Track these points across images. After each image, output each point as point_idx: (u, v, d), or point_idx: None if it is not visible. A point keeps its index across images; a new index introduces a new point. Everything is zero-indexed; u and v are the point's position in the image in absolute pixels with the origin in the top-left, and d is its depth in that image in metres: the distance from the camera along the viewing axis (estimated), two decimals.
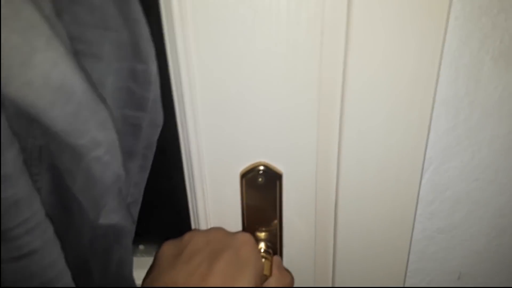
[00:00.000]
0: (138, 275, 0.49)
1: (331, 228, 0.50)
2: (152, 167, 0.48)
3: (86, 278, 0.45)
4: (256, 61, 0.41)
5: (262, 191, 0.47)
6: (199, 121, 0.43)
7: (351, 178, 0.46)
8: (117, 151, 0.34)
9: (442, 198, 0.48)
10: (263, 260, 0.46)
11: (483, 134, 0.44)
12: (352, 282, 0.53)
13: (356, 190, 0.47)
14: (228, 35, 0.40)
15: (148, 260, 0.44)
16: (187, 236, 0.44)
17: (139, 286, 0.42)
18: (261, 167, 0.46)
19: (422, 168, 0.45)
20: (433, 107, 0.42)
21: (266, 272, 0.45)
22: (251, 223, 0.49)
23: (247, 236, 0.44)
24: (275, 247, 0.50)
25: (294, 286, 0.53)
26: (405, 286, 0.53)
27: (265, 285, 0.45)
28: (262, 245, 0.49)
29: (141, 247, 0.57)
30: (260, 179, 0.46)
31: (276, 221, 0.49)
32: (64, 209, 0.41)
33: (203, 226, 0.49)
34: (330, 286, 0.54)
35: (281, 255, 0.51)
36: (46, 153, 0.35)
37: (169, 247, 0.43)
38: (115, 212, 0.39)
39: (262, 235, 0.49)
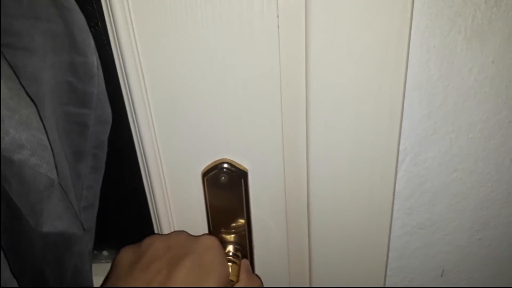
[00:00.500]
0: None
1: (305, 226, 0.47)
2: (109, 167, 0.45)
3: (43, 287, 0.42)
4: (210, 51, 0.37)
5: (226, 190, 0.44)
6: (151, 118, 0.40)
7: (321, 172, 0.43)
8: (46, 154, 0.31)
9: (420, 191, 0.45)
10: (230, 264, 0.43)
11: (460, 120, 0.41)
12: (330, 282, 0.50)
13: (328, 185, 0.44)
14: (177, 24, 0.36)
15: None
16: (146, 241, 0.41)
17: None
18: (224, 165, 0.43)
19: (397, 160, 0.42)
20: (404, 93, 0.38)
21: (232, 277, 0.42)
22: (217, 224, 0.46)
23: (211, 240, 0.41)
24: (244, 249, 0.47)
25: (270, 286, 0.50)
26: (386, 285, 0.50)
27: None
28: (230, 248, 0.46)
29: (104, 252, 0.54)
30: (223, 178, 0.43)
31: (244, 222, 0.45)
32: (13, 216, 0.38)
33: (166, 229, 0.46)
34: (307, 286, 0.51)
35: (251, 257, 0.48)
36: None
37: (126, 253, 0.40)
38: (60, 219, 0.36)
39: (229, 237, 0.46)
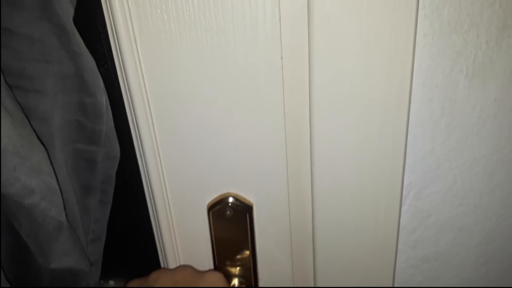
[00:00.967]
0: None
1: (310, 258, 0.47)
2: (116, 200, 0.45)
3: None
4: (215, 87, 0.38)
5: (232, 223, 0.44)
6: (158, 153, 0.41)
7: (326, 206, 0.43)
8: (56, 197, 0.31)
9: (425, 225, 0.45)
10: None
11: (463, 156, 0.41)
12: None
13: (333, 218, 0.44)
14: (183, 60, 0.37)
15: None
16: (153, 275, 0.41)
17: None
18: (230, 199, 0.43)
19: (401, 194, 0.42)
20: (407, 130, 0.39)
21: None
22: (222, 258, 0.46)
23: (216, 276, 0.41)
24: (249, 282, 0.47)
25: None
26: None
27: None
28: (235, 282, 0.46)
29: (111, 282, 0.54)
30: (228, 212, 0.43)
31: (249, 255, 0.46)
32: (21, 250, 0.39)
33: (171, 262, 0.46)
34: None
35: None
36: None
37: (133, 287, 0.41)
38: (68, 256, 0.37)
39: (235, 270, 0.46)
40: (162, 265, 0.48)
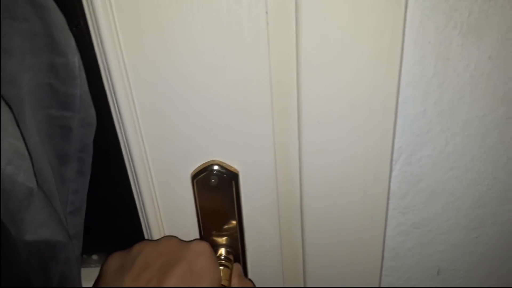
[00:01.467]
0: None
1: (298, 227, 0.46)
2: (96, 171, 0.43)
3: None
4: (197, 50, 0.36)
5: (217, 192, 0.42)
6: (137, 120, 0.39)
7: (314, 172, 0.42)
8: (23, 161, 0.29)
9: (415, 190, 0.44)
10: (222, 268, 0.42)
11: (456, 118, 0.40)
12: (324, 283, 0.49)
13: (321, 185, 0.43)
14: (162, 22, 0.35)
15: None
16: (136, 247, 0.40)
17: None
18: (215, 167, 0.41)
19: (392, 159, 0.41)
20: (398, 91, 0.37)
21: (224, 282, 0.41)
22: (208, 227, 0.45)
23: (202, 245, 0.40)
24: (237, 251, 0.46)
25: (263, 287, 0.49)
26: (382, 285, 0.50)
27: None
28: (221, 251, 0.45)
29: (94, 257, 0.53)
30: (213, 180, 0.41)
31: (235, 224, 0.44)
32: None
33: (155, 233, 0.45)
34: (301, 287, 0.50)
35: (243, 259, 0.47)
36: None
37: (115, 260, 0.39)
38: (43, 227, 0.35)
39: (221, 240, 0.45)
40: (146, 237, 0.47)
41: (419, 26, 0.36)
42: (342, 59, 0.36)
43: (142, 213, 0.44)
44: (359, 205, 0.43)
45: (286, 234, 0.46)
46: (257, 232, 0.46)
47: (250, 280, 0.45)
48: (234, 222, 0.44)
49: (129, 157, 0.40)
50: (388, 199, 0.43)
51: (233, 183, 0.42)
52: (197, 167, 0.42)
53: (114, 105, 0.38)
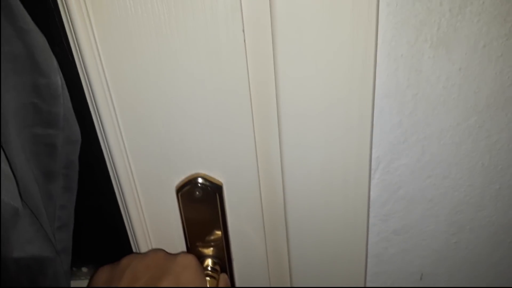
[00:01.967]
0: None
1: (283, 236, 0.47)
2: (82, 185, 0.44)
3: None
4: (177, 64, 0.37)
5: (202, 204, 0.43)
6: (121, 135, 0.40)
7: (296, 182, 0.43)
8: (7, 182, 0.30)
9: (395, 198, 0.45)
10: (209, 279, 0.43)
11: (431, 128, 0.41)
12: None
13: (304, 194, 0.44)
14: (141, 38, 0.36)
15: None
16: (124, 260, 0.41)
17: None
18: (199, 179, 0.42)
19: (370, 168, 0.42)
20: (373, 102, 0.38)
21: None
22: (194, 239, 0.45)
23: (188, 258, 0.41)
24: (223, 262, 0.46)
25: None
26: None
27: None
28: (208, 262, 0.46)
29: (83, 269, 0.53)
30: (198, 193, 0.42)
31: (221, 235, 0.45)
32: None
33: (143, 246, 0.46)
34: None
35: (230, 269, 0.47)
36: None
37: (104, 273, 0.40)
38: (30, 244, 0.36)
39: (207, 251, 0.46)
40: (134, 249, 0.47)
41: (391, 41, 0.37)
42: (318, 73, 0.37)
43: (128, 226, 0.45)
44: (341, 213, 0.44)
45: (272, 243, 0.47)
46: (243, 242, 0.47)
47: None
48: (219, 233, 0.45)
49: (114, 171, 0.41)
50: (368, 207, 0.44)
51: (217, 195, 0.43)
52: (181, 180, 0.43)
53: (97, 121, 0.39)
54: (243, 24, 0.36)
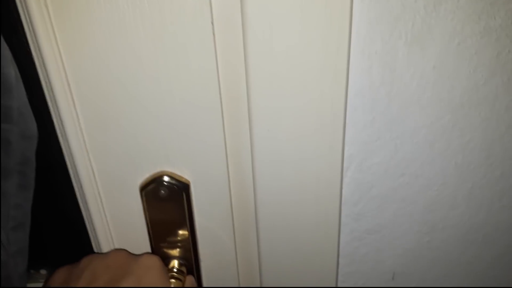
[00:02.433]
0: None
1: (254, 236, 0.46)
2: (40, 184, 0.42)
3: None
4: (141, 59, 0.35)
5: (167, 204, 0.41)
6: (81, 131, 0.37)
7: (267, 180, 0.42)
8: None
9: (367, 197, 0.44)
10: (174, 281, 0.42)
11: (404, 126, 0.40)
12: None
13: (275, 192, 0.42)
14: (104, 31, 0.34)
15: None
16: (84, 260, 0.39)
17: None
18: (164, 178, 0.40)
19: (342, 166, 0.41)
20: (346, 100, 0.37)
21: None
22: (159, 239, 0.44)
23: (151, 259, 0.39)
24: (190, 263, 0.45)
25: None
26: None
27: None
28: (174, 264, 0.44)
29: (42, 271, 0.51)
30: (163, 192, 0.40)
31: (187, 235, 0.43)
32: None
33: (105, 247, 0.44)
34: None
35: (197, 270, 0.46)
36: None
37: (61, 274, 0.38)
38: None
39: (173, 252, 0.44)
40: (96, 250, 0.45)
41: (365, 36, 0.36)
42: (290, 69, 0.35)
43: (89, 226, 0.43)
44: (312, 212, 0.43)
45: (241, 243, 0.46)
46: (212, 243, 0.45)
47: None
48: (186, 233, 0.43)
49: (74, 169, 0.39)
50: (340, 206, 0.43)
51: (184, 194, 0.41)
52: (146, 179, 0.41)
53: (56, 116, 0.37)
54: (212, 16, 0.34)
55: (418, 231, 0.47)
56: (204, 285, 0.47)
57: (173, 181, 0.40)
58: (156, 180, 0.40)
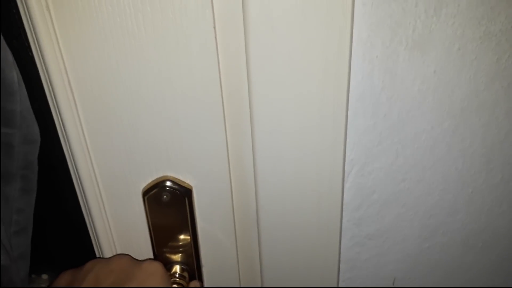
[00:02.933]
0: None
1: (255, 240, 0.46)
2: (43, 188, 0.42)
3: None
4: (144, 63, 0.35)
5: (170, 208, 0.41)
6: (83, 135, 0.38)
7: (269, 186, 0.42)
8: None
9: (369, 202, 0.44)
10: (176, 286, 0.41)
11: (405, 131, 0.41)
12: None
13: (276, 198, 0.42)
14: (106, 35, 0.34)
15: None
16: (88, 264, 0.39)
17: None
18: (167, 183, 0.40)
19: (344, 171, 0.41)
20: (348, 104, 0.37)
21: None
22: (161, 245, 0.43)
23: (154, 265, 0.39)
24: (192, 268, 0.45)
25: None
26: None
27: None
28: (176, 269, 0.44)
29: (44, 276, 0.51)
30: (165, 196, 0.41)
31: (190, 240, 0.43)
32: None
33: (107, 252, 0.44)
34: None
35: (199, 275, 0.46)
36: None
37: (66, 277, 0.39)
38: None
39: (175, 257, 0.44)
40: (98, 256, 0.45)
41: (366, 41, 0.36)
42: (291, 74, 0.36)
43: (92, 230, 0.43)
44: (314, 217, 0.43)
45: (243, 249, 0.46)
46: (214, 247, 0.45)
47: None
48: (188, 238, 0.43)
49: (76, 173, 0.39)
50: (342, 210, 0.43)
51: (186, 199, 0.41)
52: (148, 183, 0.41)
53: (58, 120, 0.37)
54: (214, 20, 0.34)
55: (418, 236, 0.47)
56: None
57: (176, 186, 0.40)
58: (158, 185, 0.40)
